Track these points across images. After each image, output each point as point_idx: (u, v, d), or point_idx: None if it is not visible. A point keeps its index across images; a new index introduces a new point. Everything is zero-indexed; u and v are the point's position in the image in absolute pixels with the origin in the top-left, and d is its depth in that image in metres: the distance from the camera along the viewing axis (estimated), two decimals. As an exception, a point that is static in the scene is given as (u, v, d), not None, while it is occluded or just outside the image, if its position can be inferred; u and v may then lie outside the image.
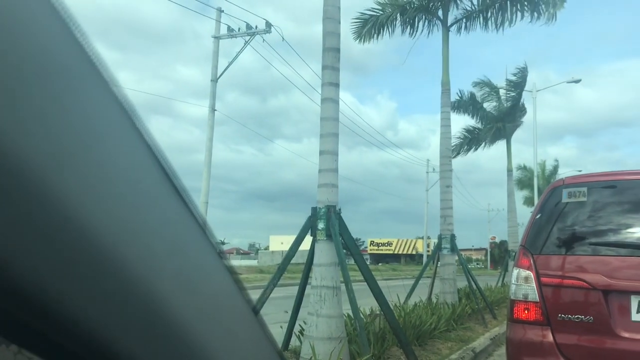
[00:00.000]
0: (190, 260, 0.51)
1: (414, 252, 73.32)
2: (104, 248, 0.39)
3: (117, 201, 0.41)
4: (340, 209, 5.17)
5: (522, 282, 3.44)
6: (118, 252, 0.40)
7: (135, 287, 0.42)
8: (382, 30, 11.98)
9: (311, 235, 5.18)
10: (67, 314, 0.38)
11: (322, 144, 5.30)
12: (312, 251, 5.21)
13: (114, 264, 0.40)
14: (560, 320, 3.29)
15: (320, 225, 5.05)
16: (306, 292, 5.38)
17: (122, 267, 0.40)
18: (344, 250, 5.19)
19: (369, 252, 75.82)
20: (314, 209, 5.12)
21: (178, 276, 0.48)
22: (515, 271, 3.51)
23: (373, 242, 78.88)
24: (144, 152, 0.46)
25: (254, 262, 50.95)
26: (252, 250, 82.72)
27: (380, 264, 56.55)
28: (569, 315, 3.27)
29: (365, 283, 5.23)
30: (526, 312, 3.41)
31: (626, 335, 3.10)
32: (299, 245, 5.32)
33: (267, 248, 72.99)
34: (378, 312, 6.11)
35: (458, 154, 20.26)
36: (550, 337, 3.29)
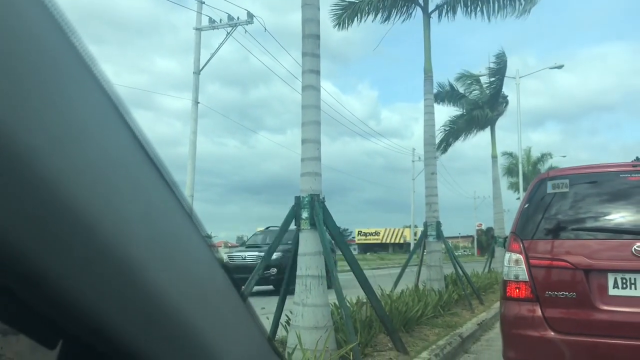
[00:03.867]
0: (179, 247, 0.53)
1: (401, 241, 73.74)
2: (95, 236, 0.41)
3: (107, 191, 0.43)
4: (324, 198, 5.13)
5: (513, 264, 3.85)
6: (109, 239, 0.42)
7: (130, 271, 0.44)
8: (360, 17, 11.92)
9: (295, 225, 5.13)
10: (67, 291, 0.40)
11: (304, 132, 5.24)
12: (296, 241, 5.16)
13: (108, 251, 0.42)
14: (547, 297, 3.70)
15: (304, 214, 5.00)
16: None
17: (115, 254, 0.43)
18: (331, 240, 5.15)
19: (357, 242, 76.09)
20: (298, 198, 5.06)
21: (167, 262, 0.50)
22: (507, 255, 3.94)
23: (361, 232, 79.13)
24: (133, 145, 0.48)
25: (242, 255, 50.71)
26: (240, 243, 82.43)
27: (368, 254, 56.78)
28: (555, 292, 3.68)
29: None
30: (517, 290, 3.81)
31: (604, 307, 3.53)
32: (282, 236, 5.27)
33: (255, 241, 72.80)
34: (365, 301, 6.10)
35: (445, 149, 20.39)
36: (539, 312, 3.70)
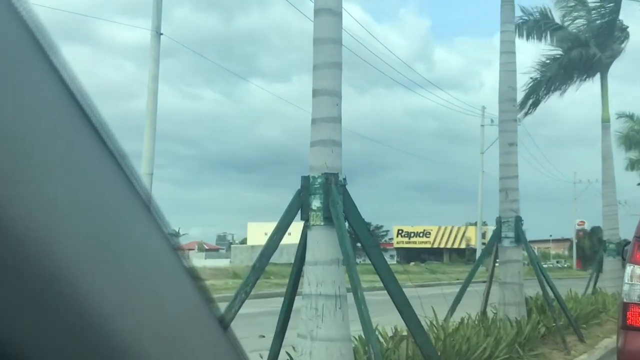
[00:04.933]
0: (128, 250, 0.53)
1: (462, 246, 73.94)
2: (3, 229, 0.41)
3: (22, 165, 0.43)
4: (345, 179, 5.13)
5: (637, 281, 3.99)
6: (23, 234, 0.42)
7: (58, 284, 0.44)
8: None
9: (302, 219, 5.15)
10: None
11: (316, 79, 5.23)
12: (303, 243, 5.18)
13: (29, 250, 0.42)
14: None
15: (316, 203, 5.00)
16: (296, 303, 5.38)
17: (34, 255, 0.43)
18: (357, 244, 5.14)
19: (396, 245, 76.49)
20: (306, 179, 5.07)
21: (110, 270, 0.50)
22: (629, 268, 4.08)
23: (401, 231, 79.52)
24: (61, 96, 0.48)
25: (225, 262, 51.45)
26: (223, 245, 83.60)
27: (412, 264, 57.02)
28: None
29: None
30: None
31: None
32: (283, 234, 5.29)
33: (244, 241, 73.69)
34: (405, 334, 6.13)
35: (531, 107, 20.32)
36: None
